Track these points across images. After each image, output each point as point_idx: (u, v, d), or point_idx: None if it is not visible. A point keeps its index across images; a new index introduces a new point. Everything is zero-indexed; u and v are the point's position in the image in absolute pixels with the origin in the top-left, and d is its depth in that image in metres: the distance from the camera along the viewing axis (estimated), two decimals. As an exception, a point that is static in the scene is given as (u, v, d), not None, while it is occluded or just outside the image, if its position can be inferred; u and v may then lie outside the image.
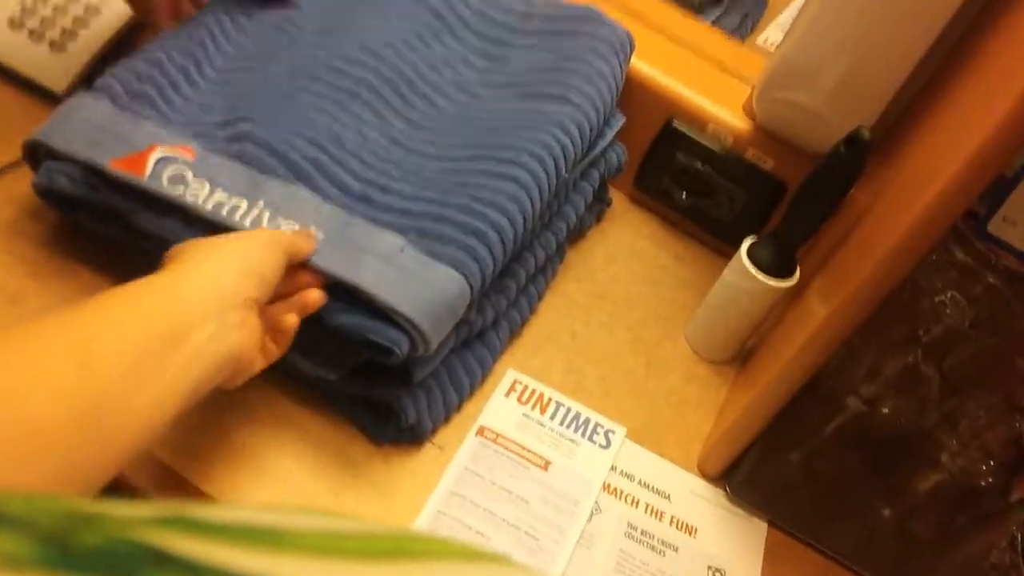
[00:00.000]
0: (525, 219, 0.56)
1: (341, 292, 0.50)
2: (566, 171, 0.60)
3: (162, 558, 0.16)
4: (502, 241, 0.54)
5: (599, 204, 0.73)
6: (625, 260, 0.74)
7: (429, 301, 0.50)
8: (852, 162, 0.55)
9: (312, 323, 0.50)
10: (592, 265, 0.72)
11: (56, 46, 0.66)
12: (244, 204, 0.52)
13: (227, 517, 0.19)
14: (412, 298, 0.50)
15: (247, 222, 0.51)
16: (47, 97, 0.66)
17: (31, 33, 0.66)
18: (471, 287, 0.52)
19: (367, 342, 0.50)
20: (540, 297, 0.66)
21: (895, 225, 0.45)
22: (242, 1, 0.65)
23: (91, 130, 0.54)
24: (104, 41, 0.67)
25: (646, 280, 0.73)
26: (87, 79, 0.67)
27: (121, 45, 0.69)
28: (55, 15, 0.67)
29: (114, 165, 0.52)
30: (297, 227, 0.52)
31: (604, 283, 0.71)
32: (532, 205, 0.56)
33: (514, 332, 0.64)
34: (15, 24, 0.66)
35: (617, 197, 0.77)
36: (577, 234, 0.72)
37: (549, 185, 0.58)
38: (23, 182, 0.60)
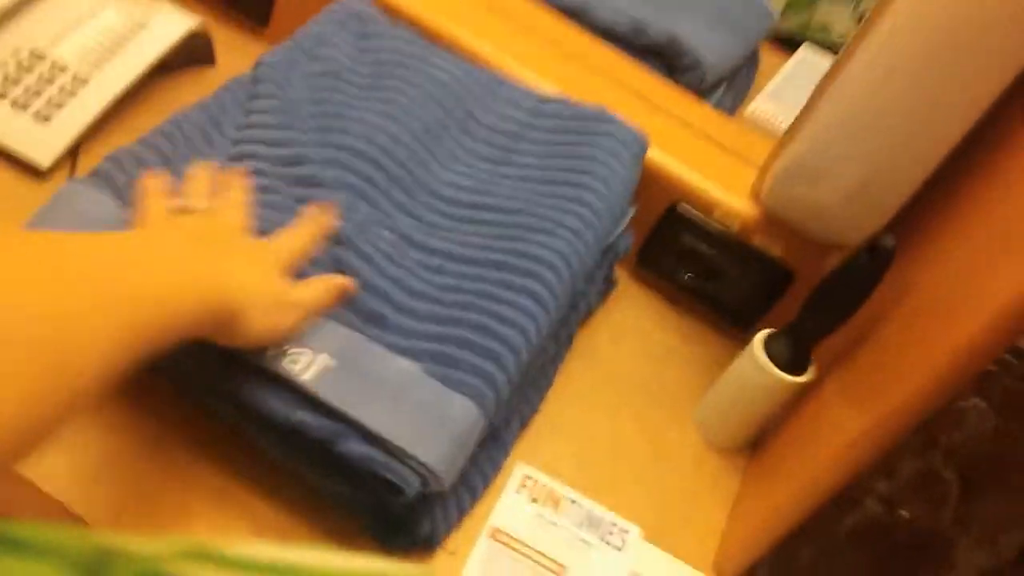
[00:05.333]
0: (540, 333, 0.54)
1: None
2: (583, 280, 0.58)
3: None
4: (518, 361, 0.52)
5: (606, 286, 0.71)
6: (630, 341, 0.72)
7: (444, 440, 0.48)
8: (874, 269, 0.54)
9: (321, 444, 0.47)
10: (597, 346, 0.70)
11: (41, 117, 0.63)
12: None
13: (247, 552, 0.20)
14: (426, 438, 0.48)
15: None
16: (31, 171, 0.62)
17: (14, 103, 0.63)
18: (486, 417, 0.50)
19: (376, 475, 0.47)
20: (549, 386, 0.64)
21: (940, 343, 0.44)
22: (240, 91, 0.62)
23: (88, 224, 0.51)
24: (93, 114, 0.64)
25: (652, 361, 0.71)
26: (73, 152, 0.64)
27: (109, 118, 0.66)
28: (40, 85, 0.63)
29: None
30: (307, 353, 0.49)
31: (609, 366, 0.69)
32: (549, 317, 0.55)
33: (525, 427, 0.61)
34: (-3, 93, 0.63)
35: (620, 273, 0.75)
36: (584, 317, 0.70)
37: (565, 295, 0.56)
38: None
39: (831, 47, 1.06)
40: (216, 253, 0.47)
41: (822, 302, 0.58)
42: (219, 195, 0.53)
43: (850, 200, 0.61)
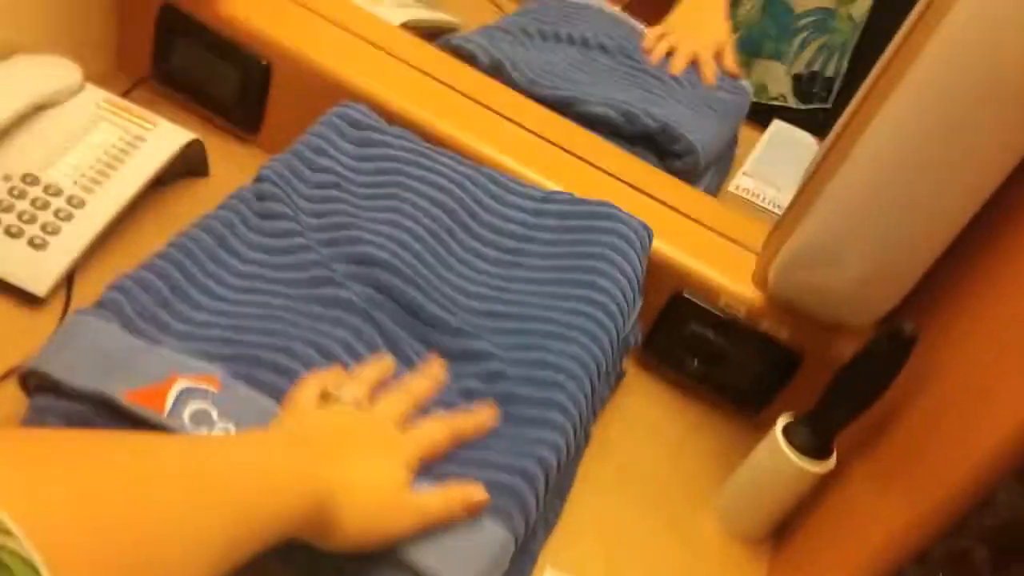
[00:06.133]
0: (569, 445, 0.53)
1: None
2: (599, 380, 0.58)
3: None
4: (547, 479, 0.51)
5: (616, 377, 0.71)
6: (643, 433, 0.71)
7: (476, 567, 0.47)
8: (896, 356, 0.54)
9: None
10: (611, 439, 0.69)
11: (36, 244, 0.61)
12: None
13: None
14: (454, 566, 0.46)
15: None
16: (26, 298, 0.61)
17: (7, 231, 0.61)
18: (517, 539, 0.49)
19: None
20: (571, 487, 0.63)
21: (981, 433, 0.44)
22: (243, 206, 0.61)
23: (99, 357, 0.49)
24: (90, 238, 0.62)
25: (666, 450, 0.70)
26: (69, 276, 0.62)
27: (108, 240, 0.65)
28: (34, 210, 0.62)
29: (130, 399, 0.47)
30: None
31: (626, 460, 0.68)
32: (575, 429, 0.54)
33: (549, 531, 0.60)
34: (-12, 220, 0.61)
35: (627, 361, 0.75)
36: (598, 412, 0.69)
37: (589, 401, 0.56)
38: (5, 403, 0.54)
39: (768, 107, 1.09)
40: (334, 452, 0.45)
41: (843, 390, 0.58)
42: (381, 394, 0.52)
43: (862, 283, 0.61)
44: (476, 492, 0.49)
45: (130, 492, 0.33)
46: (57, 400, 0.48)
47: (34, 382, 0.50)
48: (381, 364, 0.54)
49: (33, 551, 0.26)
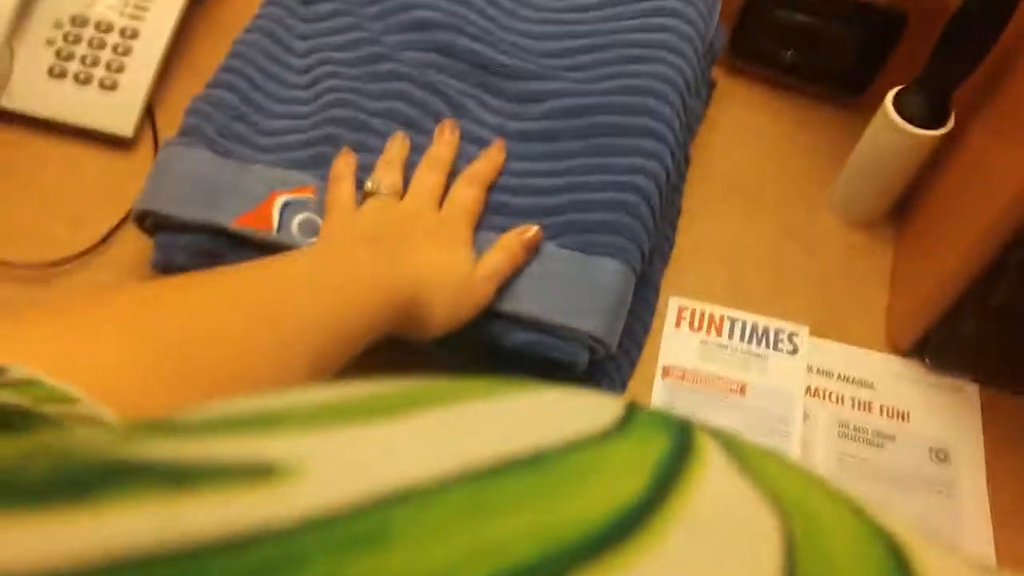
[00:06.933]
0: (667, 170, 0.52)
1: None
2: (689, 96, 0.55)
3: (125, 470, 0.13)
4: (651, 206, 0.51)
5: (707, 90, 0.68)
6: (745, 141, 0.69)
7: (601, 306, 0.48)
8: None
9: (481, 346, 0.48)
10: (713, 157, 0.67)
11: (107, 86, 0.61)
12: None
13: (218, 412, 0.16)
14: (584, 309, 0.47)
15: None
16: (117, 143, 0.62)
17: (76, 77, 0.61)
18: (635, 270, 0.49)
19: (548, 358, 0.48)
20: (679, 215, 0.62)
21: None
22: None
23: (199, 186, 0.50)
24: (155, 67, 0.62)
25: (773, 156, 0.68)
26: (149, 110, 0.63)
27: (168, 64, 0.64)
28: (94, 52, 0.61)
29: (239, 223, 0.49)
30: None
31: (731, 173, 0.67)
32: (670, 150, 0.52)
33: (666, 261, 0.60)
34: (55, 73, 0.61)
35: (716, 71, 0.71)
36: (695, 131, 0.67)
37: (680, 120, 0.53)
38: (130, 247, 0.57)
39: None
40: (397, 248, 0.46)
41: (954, 42, 0.53)
42: (413, 174, 0.52)
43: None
44: (526, 229, 0.50)
45: (207, 330, 0.35)
46: (177, 235, 0.51)
47: (149, 221, 0.52)
48: (399, 141, 0.54)
49: (99, 408, 0.27)
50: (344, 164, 0.52)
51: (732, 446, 0.18)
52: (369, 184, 0.50)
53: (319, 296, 0.40)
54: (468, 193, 0.51)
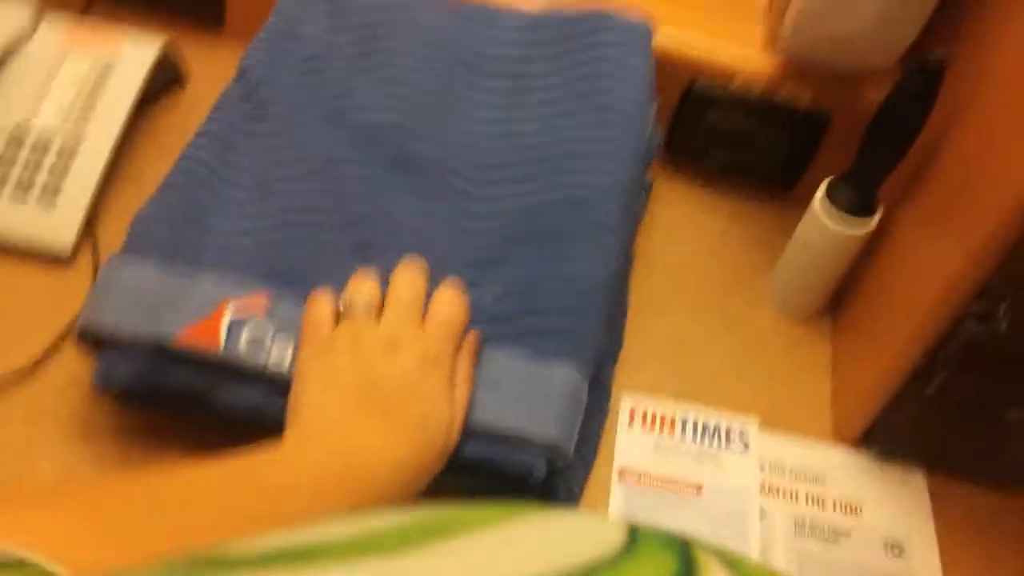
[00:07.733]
0: (614, 273, 0.53)
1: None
2: (630, 197, 0.57)
3: None
4: (599, 309, 0.52)
5: (645, 190, 0.69)
6: (685, 238, 0.70)
7: (556, 413, 0.48)
8: (927, 90, 0.52)
9: None
10: (655, 254, 0.69)
11: (45, 203, 0.60)
12: None
13: (256, 547, 0.17)
14: (538, 418, 0.48)
15: None
16: (56, 262, 0.60)
17: (14, 194, 0.60)
18: (587, 374, 0.50)
19: (500, 472, 0.48)
20: (625, 316, 0.63)
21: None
22: (234, 109, 0.59)
23: (143, 300, 0.49)
24: (96, 181, 0.61)
25: (712, 252, 0.70)
26: (90, 224, 0.62)
27: (113, 174, 0.63)
28: (30, 172, 0.60)
29: (184, 338, 0.48)
30: None
31: (674, 270, 0.68)
32: (617, 253, 0.54)
33: (616, 360, 0.61)
34: (-8, 191, 0.60)
35: (653, 170, 0.73)
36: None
37: (623, 221, 0.55)
38: (70, 365, 0.56)
39: None
40: (385, 409, 0.45)
41: (879, 137, 0.56)
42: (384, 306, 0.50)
43: (879, 20, 0.57)
44: (468, 338, 0.50)
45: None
46: (119, 353, 0.49)
47: (90, 338, 0.51)
48: (363, 280, 0.51)
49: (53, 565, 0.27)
50: (317, 305, 0.50)
51: (734, 565, 0.20)
52: (343, 307, 0.49)
53: (328, 499, 0.42)
54: (454, 320, 0.50)
